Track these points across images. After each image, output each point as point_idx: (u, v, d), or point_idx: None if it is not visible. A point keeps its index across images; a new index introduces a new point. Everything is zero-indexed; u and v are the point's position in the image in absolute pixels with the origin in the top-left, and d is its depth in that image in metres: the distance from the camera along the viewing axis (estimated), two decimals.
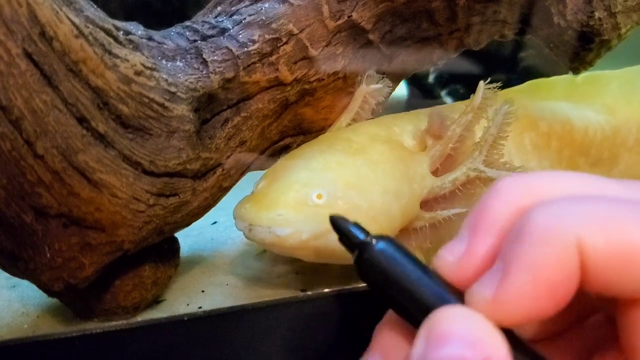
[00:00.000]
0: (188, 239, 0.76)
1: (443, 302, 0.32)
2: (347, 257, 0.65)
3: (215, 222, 0.84)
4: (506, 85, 0.81)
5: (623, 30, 0.69)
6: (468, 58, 1.07)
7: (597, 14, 0.68)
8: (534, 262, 0.30)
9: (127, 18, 0.61)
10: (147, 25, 0.62)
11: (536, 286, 0.30)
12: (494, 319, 0.30)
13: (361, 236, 0.36)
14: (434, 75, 1.22)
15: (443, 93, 1.22)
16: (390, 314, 0.36)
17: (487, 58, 1.02)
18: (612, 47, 0.71)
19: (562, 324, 0.35)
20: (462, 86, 1.20)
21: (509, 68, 1.15)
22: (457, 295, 0.33)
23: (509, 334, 0.31)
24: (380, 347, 0.35)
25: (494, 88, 0.69)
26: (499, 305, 0.30)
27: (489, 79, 0.69)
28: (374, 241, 0.35)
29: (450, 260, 0.33)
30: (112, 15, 0.58)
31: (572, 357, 0.35)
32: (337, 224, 0.37)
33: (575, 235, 0.29)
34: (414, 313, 0.33)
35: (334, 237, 0.61)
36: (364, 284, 0.66)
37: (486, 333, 0.30)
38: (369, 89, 0.73)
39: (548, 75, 0.88)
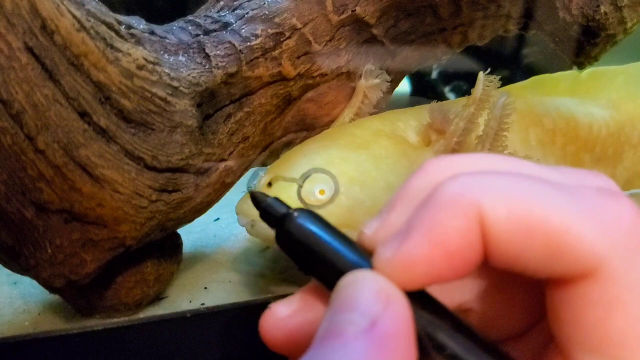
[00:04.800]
0: (191, 235, 0.75)
1: (356, 267, 0.32)
2: None
3: (218, 219, 0.83)
4: (509, 81, 0.80)
5: (629, 25, 0.69)
6: (471, 54, 1.07)
7: (603, 8, 0.67)
8: (432, 225, 0.29)
9: (129, 12, 0.61)
10: (149, 19, 0.62)
11: (432, 249, 0.29)
12: (395, 280, 0.30)
13: (282, 210, 0.36)
14: (437, 71, 1.22)
15: (446, 89, 1.21)
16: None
17: (490, 54, 1.02)
18: (618, 42, 0.71)
19: (526, 322, 0.35)
20: (465, 83, 1.20)
21: (512, 64, 1.15)
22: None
23: (430, 301, 0.31)
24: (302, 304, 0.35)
25: (495, 79, 0.68)
26: (397, 265, 0.30)
27: (489, 70, 0.68)
28: (295, 214, 0.35)
29: (367, 233, 0.33)
30: (114, 9, 0.58)
31: (534, 356, 0.34)
32: (258, 199, 0.37)
33: (477, 204, 0.29)
34: (332, 280, 0.32)
35: None
36: None
37: (383, 294, 0.30)
38: (367, 84, 0.73)
39: (551, 72, 0.88)
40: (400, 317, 0.29)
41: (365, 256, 0.32)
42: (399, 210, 0.33)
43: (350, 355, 0.27)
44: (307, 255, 0.34)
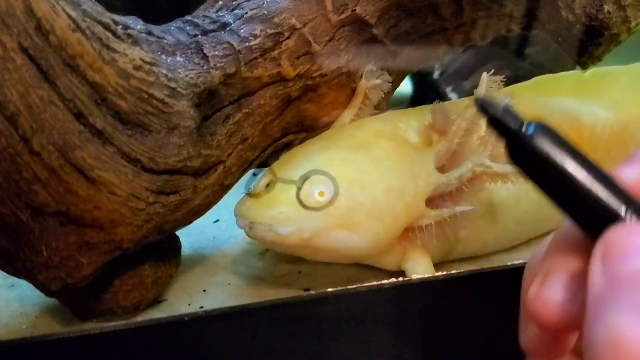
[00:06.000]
0: (189, 237, 0.75)
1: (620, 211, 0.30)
2: (349, 256, 0.65)
3: (217, 220, 0.83)
4: (512, 81, 0.80)
5: (633, 24, 0.68)
6: (474, 54, 1.06)
7: (606, 7, 0.67)
8: None
9: (128, 12, 0.60)
10: (149, 19, 0.61)
11: None
12: None
13: (517, 121, 0.32)
14: (439, 71, 1.21)
15: (448, 89, 1.20)
16: (560, 234, 0.34)
17: (493, 54, 1.01)
18: (622, 41, 0.70)
19: None
20: (467, 83, 1.19)
21: (514, 64, 1.14)
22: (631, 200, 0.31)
23: None
24: (558, 268, 0.32)
25: (498, 80, 0.67)
26: None
27: (492, 71, 0.67)
28: (532, 128, 0.32)
29: (631, 177, 0.31)
30: (113, 9, 0.57)
31: None
32: (484, 106, 0.35)
33: None
34: (583, 211, 0.31)
35: (335, 235, 0.61)
36: (369, 284, 0.65)
37: None
38: (369, 85, 0.72)
39: (554, 71, 0.87)
40: None
41: (624, 195, 0.30)
42: None
43: None
44: (552, 181, 0.31)
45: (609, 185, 0.31)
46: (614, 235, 0.29)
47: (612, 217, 0.30)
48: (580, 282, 0.30)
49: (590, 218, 0.31)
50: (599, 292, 0.28)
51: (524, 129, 0.32)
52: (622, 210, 0.30)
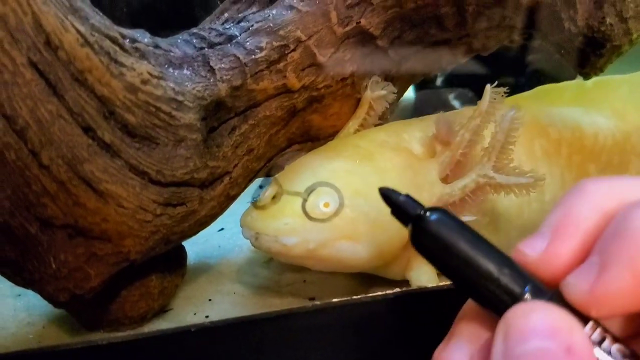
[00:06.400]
0: (195, 246, 0.75)
1: (520, 288, 0.32)
2: (354, 266, 0.65)
3: (222, 229, 0.83)
4: (514, 88, 0.80)
5: (634, 36, 0.68)
6: (476, 61, 1.06)
7: (608, 20, 0.67)
8: (633, 258, 0.30)
9: (134, 24, 0.61)
10: (154, 31, 0.62)
11: (636, 283, 0.30)
12: (589, 310, 0.31)
13: (417, 209, 0.35)
14: (442, 78, 1.21)
15: (451, 96, 1.21)
16: (469, 303, 0.36)
17: (496, 61, 1.01)
18: (624, 53, 0.70)
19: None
20: (470, 89, 1.19)
21: (517, 71, 1.15)
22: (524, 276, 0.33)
23: (596, 324, 0.32)
24: (461, 336, 0.35)
25: (502, 92, 0.68)
26: (596, 298, 0.31)
27: (496, 83, 0.68)
28: (428, 213, 0.34)
29: (531, 255, 0.34)
30: (119, 21, 0.58)
31: None
32: (388, 196, 0.36)
33: None
34: (485, 293, 0.33)
35: (340, 246, 0.62)
36: (374, 294, 0.65)
37: (566, 322, 0.31)
38: (374, 95, 0.72)
39: (557, 78, 0.87)
40: (587, 343, 0.31)
41: (521, 274, 0.33)
42: (568, 239, 0.33)
43: None
44: (450, 260, 0.34)
45: (508, 266, 0.33)
46: (513, 316, 0.31)
47: (512, 298, 0.33)
48: (482, 354, 0.33)
49: (491, 299, 0.33)
50: None
51: (425, 216, 0.34)
52: (520, 290, 0.33)
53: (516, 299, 0.32)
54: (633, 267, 0.30)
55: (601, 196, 0.33)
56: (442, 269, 0.35)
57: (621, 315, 0.33)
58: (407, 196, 0.36)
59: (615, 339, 0.32)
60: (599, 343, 0.31)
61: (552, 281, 0.33)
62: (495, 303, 0.33)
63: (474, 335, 0.35)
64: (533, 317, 0.31)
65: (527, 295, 0.32)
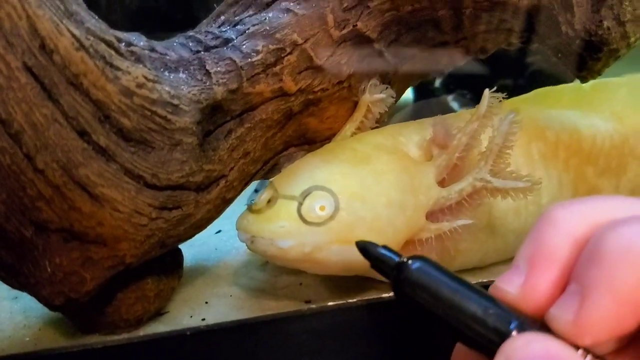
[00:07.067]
0: (192, 248, 0.75)
1: (506, 327, 0.32)
2: (349, 269, 0.65)
3: (219, 231, 0.83)
4: (513, 90, 0.80)
5: (632, 39, 0.68)
6: (475, 63, 1.06)
7: (606, 23, 0.67)
8: (615, 283, 0.30)
9: (133, 25, 0.61)
10: (150, 33, 0.62)
11: (619, 307, 0.30)
12: (577, 340, 0.31)
13: (395, 259, 0.35)
14: (440, 80, 1.21)
15: (449, 98, 1.20)
16: (459, 347, 0.36)
17: (494, 63, 1.01)
18: (621, 56, 0.70)
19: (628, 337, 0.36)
20: (468, 91, 1.19)
21: (517, 72, 1.14)
22: (513, 314, 0.33)
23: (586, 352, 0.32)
24: None
25: (500, 96, 0.68)
26: (581, 327, 0.31)
27: (495, 88, 0.68)
28: (410, 262, 0.34)
29: (511, 291, 0.34)
30: (116, 24, 0.57)
31: None
32: (366, 249, 0.37)
33: None
34: (473, 336, 0.33)
35: (336, 249, 0.61)
36: (369, 297, 0.65)
37: (565, 351, 0.31)
38: (372, 99, 0.72)
39: (555, 80, 0.87)
40: None
41: (506, 312, 0.33)
42: (544, 271, 0.33)
43: None
44: (434, 307, 0.33)
45: (493, 306, 0.33)
46: (513, 347, 0.31)
47: (500, 336, 0.32)
48: None
49: (479, 341, 0.33)
50: None
51: (405, 266, 0.34)
52: (507, 328, 0.32)
53: (504, 337, 0.32)
54: (612, 291, 0.30)
55: (570, 222, 0.33)
56: (427, 316, 0.34)
57: (609, 340, 0.32)
58: (385, 247, 0.36)
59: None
60: None
61: (537, 314, 0.33)
62: (484, 344, 0.33)
63: None
64: (534, 347, 0.31)
65: (514, 332, 0.32)
